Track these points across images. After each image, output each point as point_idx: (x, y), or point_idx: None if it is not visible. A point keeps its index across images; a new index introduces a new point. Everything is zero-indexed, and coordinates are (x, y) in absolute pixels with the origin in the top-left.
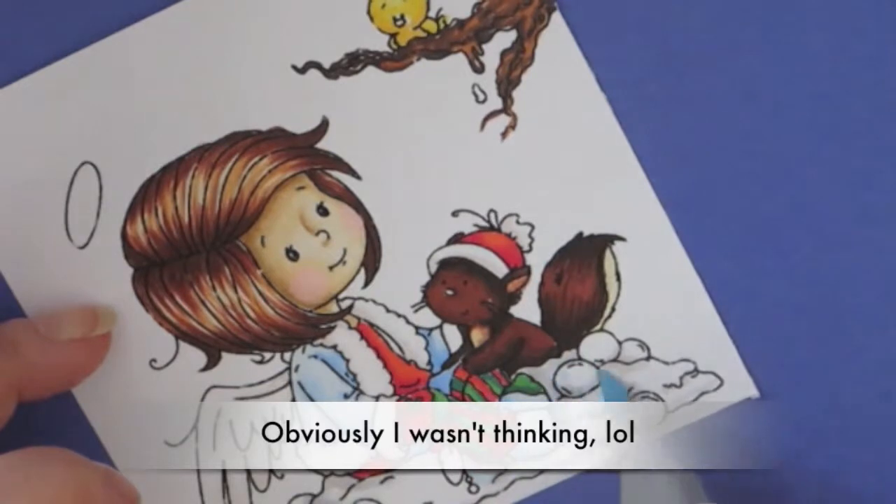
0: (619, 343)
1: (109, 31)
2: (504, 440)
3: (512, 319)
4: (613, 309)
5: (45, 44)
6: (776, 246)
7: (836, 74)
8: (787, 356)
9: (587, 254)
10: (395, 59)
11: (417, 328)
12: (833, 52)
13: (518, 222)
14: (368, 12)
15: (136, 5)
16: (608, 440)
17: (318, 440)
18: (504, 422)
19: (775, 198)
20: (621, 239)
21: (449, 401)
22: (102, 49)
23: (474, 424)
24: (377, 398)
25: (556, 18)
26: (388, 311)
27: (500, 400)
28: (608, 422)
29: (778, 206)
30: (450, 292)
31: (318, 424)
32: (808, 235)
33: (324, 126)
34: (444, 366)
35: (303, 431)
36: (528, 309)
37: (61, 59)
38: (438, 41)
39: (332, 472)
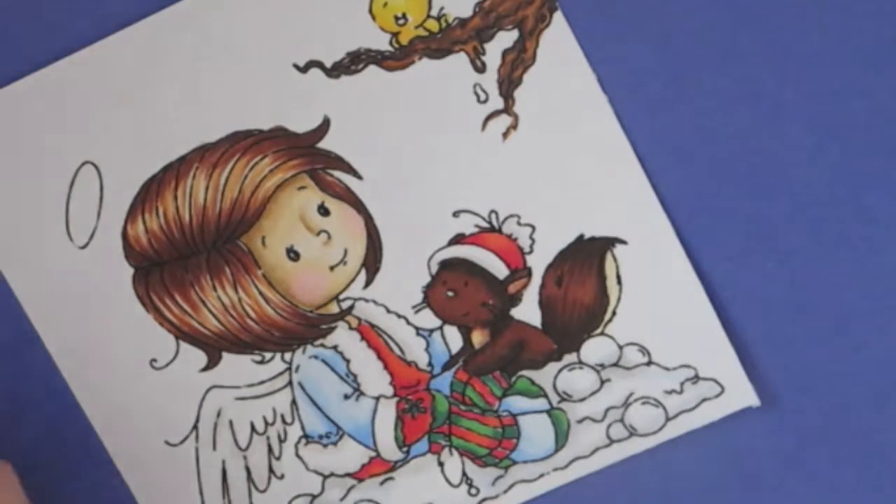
0: (620, 347)
1: (109, 31)
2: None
3: (512, 321)
4: (614, 313)
5: (45, 44)
6: (777, 247)
7: (836, 74)
8: (788, 360)
9: (588, 256)
10: (397, 58)
11: (418, 329)
12: (833, 52)
13: (519, 223)
14: (370, 11)
15: (136, 5)
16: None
17: (318, 441)
18: (505, 424)
19: (776, 199)
20: (622, 242)
21: (449, 402)
22: (102, 49)
23: (475, 426)
24: (377, 399)
25: (558, 18)
26: (388, 311)
27: (500, 402)
28: (608, 426)
29: (779, 207)
30: (450, 293)
31: (318, 425)
32: (808, 236)
33: (325, 125)
34: (445, 367)
35: (303, 432)
36: (528, 311)
37: (61, 59)
38: (440, 40)
39: (332, 473)
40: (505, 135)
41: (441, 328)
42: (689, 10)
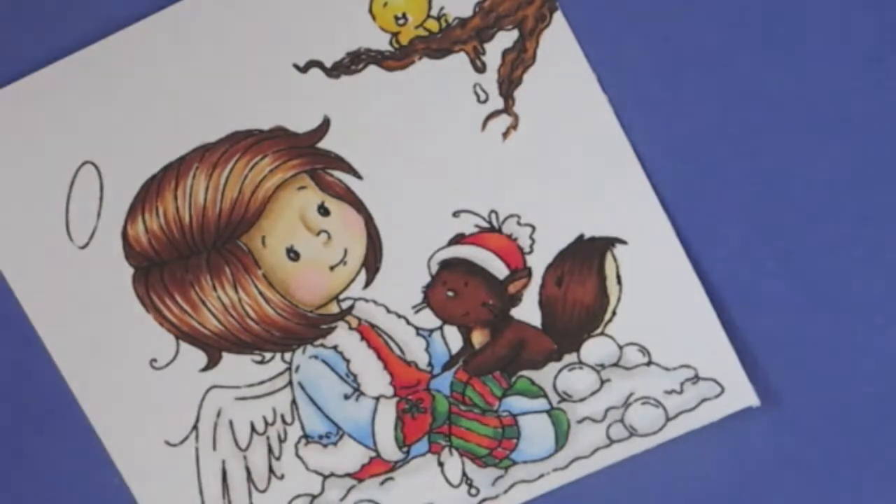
0: (620, 347)
1: (109, 31)
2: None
3: (512, 321)
4: (614, 313)
5: (45, 44)
6: (777, 247)
7: (836, 74)
8: (788, 360)
9: (588, 256)
10: (397, 58)
11: (418, 329)
12: (833, 52)
13: (519, 223)
14: (370, 11)
15: (136, 5)
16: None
17: (318, 441)
18: (505, 424)
19: (776, 199)
20: (622, 242)
21: (449, 402)
22: (102, 49)
23: (475, 426)
24: (377, 399)
25: (558, 18)
26: (388, 311)
27: (500, 402)
28: (608, 426)
29: (779, 207)
30: (450, 293)
31: (318, 425)
32: (808, 236)
33: (325, 125)
34: (445, 367)
35: (303, 432)
36: (528, 311)
37: (61, 59)
38: (440, 40)
39: (332, 473)
40: (505, 135)
41: (441, 328)
42: (689, 10)
